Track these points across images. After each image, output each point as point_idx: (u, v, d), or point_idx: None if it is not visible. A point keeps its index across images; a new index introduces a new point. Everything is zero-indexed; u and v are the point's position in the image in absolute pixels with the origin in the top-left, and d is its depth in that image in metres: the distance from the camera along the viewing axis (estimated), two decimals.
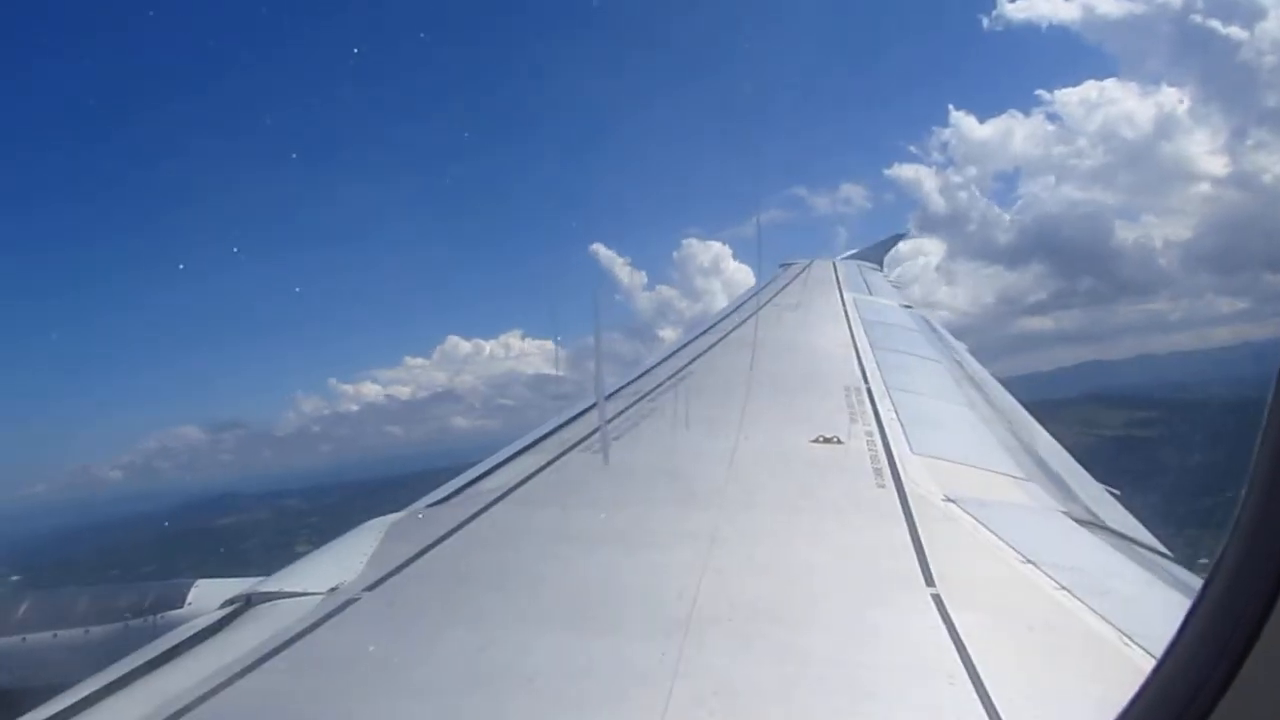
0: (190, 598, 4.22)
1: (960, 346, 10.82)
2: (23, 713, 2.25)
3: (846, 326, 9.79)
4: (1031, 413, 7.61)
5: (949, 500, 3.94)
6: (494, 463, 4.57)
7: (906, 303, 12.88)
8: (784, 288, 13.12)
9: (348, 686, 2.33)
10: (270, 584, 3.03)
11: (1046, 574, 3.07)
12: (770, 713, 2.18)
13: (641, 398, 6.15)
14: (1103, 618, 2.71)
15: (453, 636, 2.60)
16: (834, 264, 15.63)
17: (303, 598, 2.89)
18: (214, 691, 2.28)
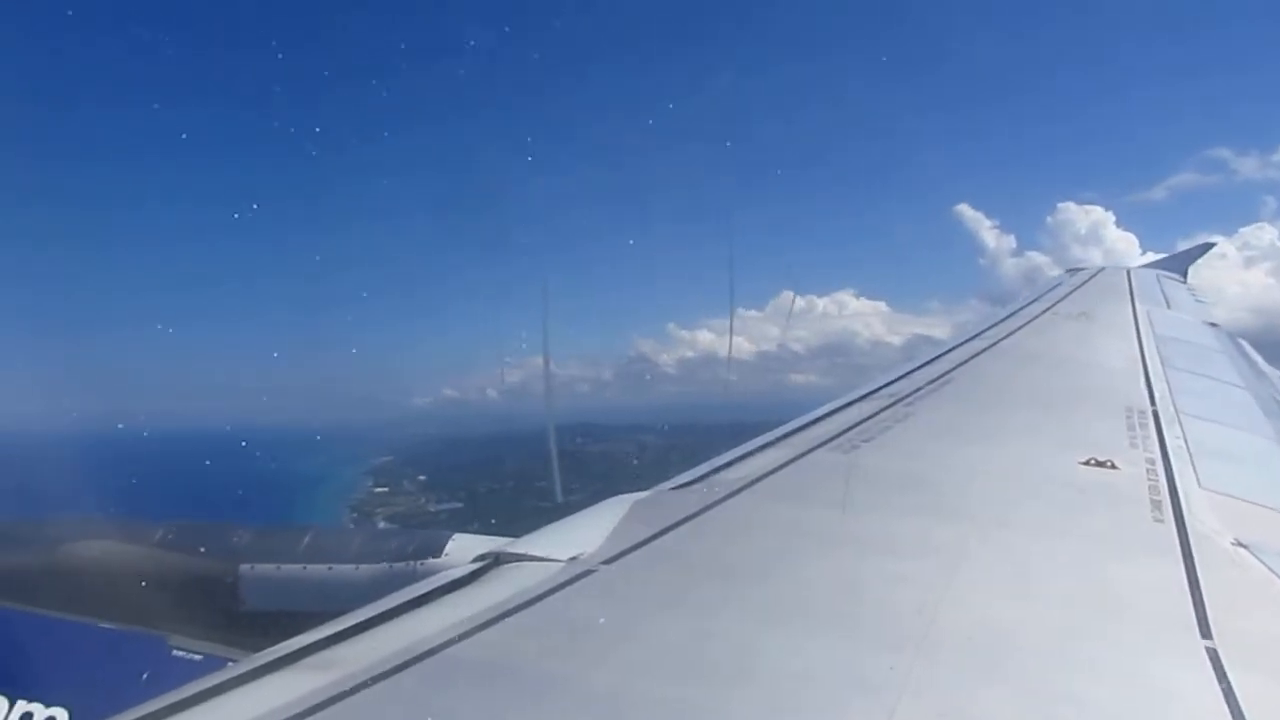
0: (448, 549, 4.55)
1: (1275, 373, 9.67)
2: (293, 635, 2.49)
3: (1136, 341, 9.01)
4: None
5: (1239, 544, 3.52)
6: (740, 453, 4.57)
7: (1212, 319, 11.65)
8: (1068, 295, 12.28)
9: (575, 654, 2.41)
10: (518, 546, 3.19)
11: None
12: None
13: (897, 401, 5.94)
14: None
15: (679, 620, 2.63)
16: (1128, 272, 14.44)
17: (545, 563, 3.01)
18: (456, 640, 2.42)
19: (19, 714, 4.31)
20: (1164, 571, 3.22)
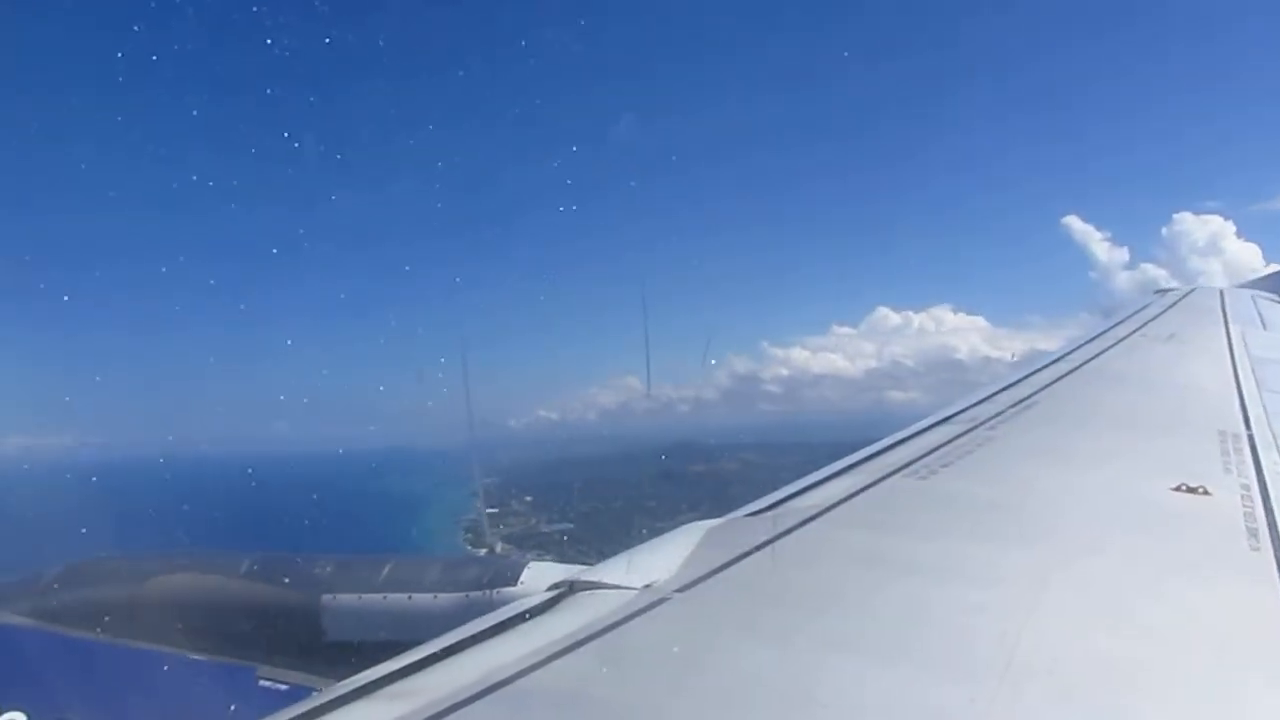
0: (523, 578, 4.61)
1: None
2: (374, 664, 2.54)
3: (1230, 363, 8.71)
4: None
5: None
6: (816, 479, 4.52)
7: None
8: (1157, 316, 11.93)
9: (649, 682, 2.42)
10: (592, 573, 3.20)
11: None
12: None
13: (978, 425, 5.83)
14: None
15: (752, 648, 2.61)
16: (1220, 292, 13.97)
17: (619, 590, 3.02)
18: (532, 668, 2.45)
19: None
20: (1262, 603, 3.10)
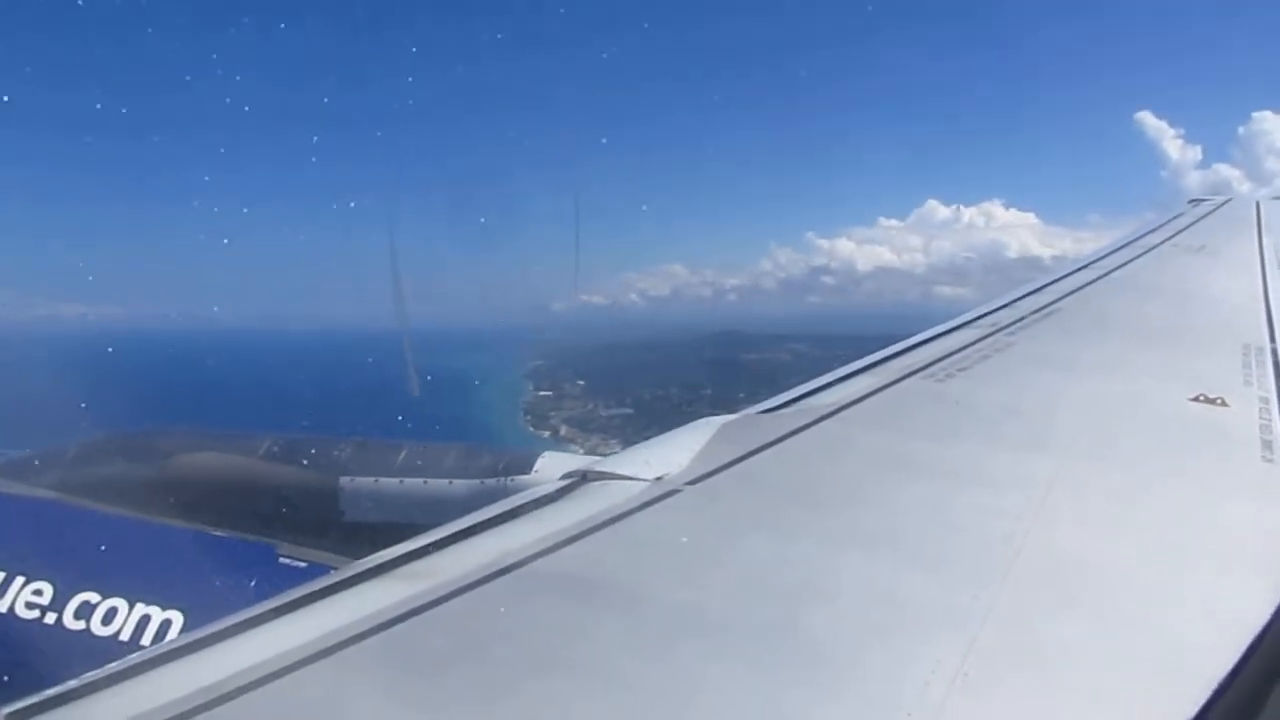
0: (537, 466, 4.68)
1: None
2: (389, 545, 2.60)
3: (1260, 276, 8.56)
4: None
5: None
6: (832, 378, 4.52)
7: None
8: (1188, 227, 11.69)
9: (656, 571, 2.46)
10: (605, 465, 3.23)
11: None
12: (1078, 677, 2.03)
13: (998, 330, 5.78)
14: None
15: (760, 542, 2.65)
16: (1257, 204, 13.64)
17: (631, 481, 3.05)
18: (542, 554, 2.49)
19: (138, 616, 4.59)
20: (1271, 513, 3.11)
